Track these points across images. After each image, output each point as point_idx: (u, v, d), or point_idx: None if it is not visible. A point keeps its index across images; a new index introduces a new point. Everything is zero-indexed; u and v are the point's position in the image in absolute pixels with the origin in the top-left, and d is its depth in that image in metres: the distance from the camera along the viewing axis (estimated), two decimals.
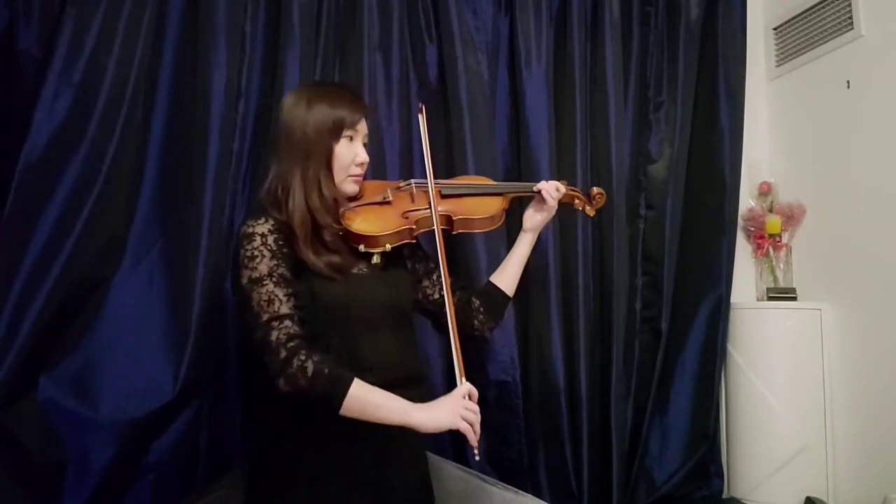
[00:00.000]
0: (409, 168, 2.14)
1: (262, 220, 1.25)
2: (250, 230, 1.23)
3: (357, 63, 2.11)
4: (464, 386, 1.18)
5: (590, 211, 1.63)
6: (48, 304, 1.70)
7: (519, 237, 1.53)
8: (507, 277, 1.51)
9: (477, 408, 1.17)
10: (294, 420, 1.28)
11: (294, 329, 1.17)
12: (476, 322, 1.48)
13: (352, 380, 1.15)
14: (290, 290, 1.20)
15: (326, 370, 1.15)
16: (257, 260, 1.20)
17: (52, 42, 1.77)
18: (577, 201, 1.60)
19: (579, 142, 2.32)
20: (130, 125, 1.86)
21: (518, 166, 2.31)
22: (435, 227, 1.36)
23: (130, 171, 1.88)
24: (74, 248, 1.74)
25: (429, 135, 1.48)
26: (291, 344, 1.15)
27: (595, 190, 1.62)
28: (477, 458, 1.20)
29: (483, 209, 1.45)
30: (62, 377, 1.74)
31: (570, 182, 2.27)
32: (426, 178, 1.43)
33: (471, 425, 1.15)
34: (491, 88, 2.29)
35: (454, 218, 1.42)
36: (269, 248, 1.22)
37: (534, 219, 1.52)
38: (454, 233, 1.46)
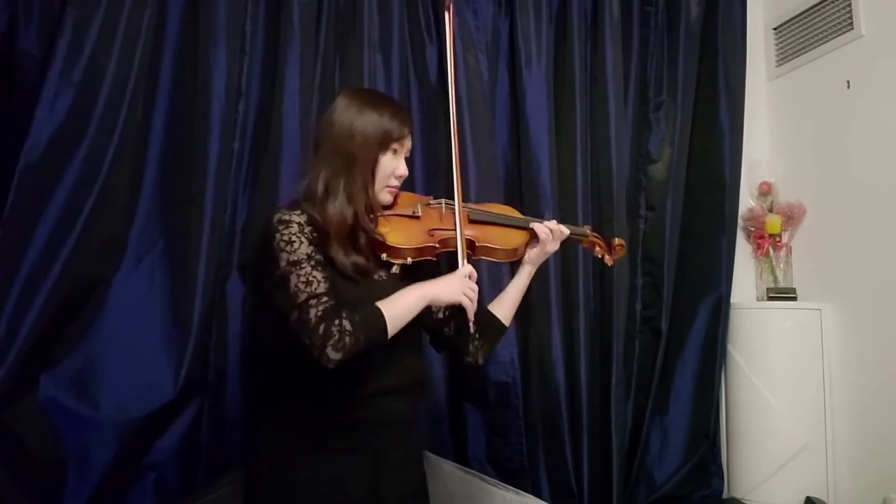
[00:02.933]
0: (410, 167, 2.13)
1: (298, 211, 1.27)
2: (287, 217, 1.25)
3: (357, 63, 2.11)
4: (465, 267, 1.32)
5: (608, 260, 1.63)
6: (48, 304, 1.70)
7: (518, 270, 1.53)
8: (504, 307, 1.52)
9: (476, 287, 1.32)
10: (289, 426, 1.29)
11: (330, 303, 1.20)
12: (471, 347, 1.49)
13: (379, 309, 1.22)
14: (325, 275, 1.23)
15: (357, 317, 1.20)
16: (295, 244, 1.22)
17: (52, 42, 1.77)
18: (597, 248, 1.61)
19: (579, 141, 2.33)
20: (130, 125, 1.86)
21: (518, 166, 2.31)
22: (459, 248, 1.37)
23: (130, 171, 1.88)
24: (74, 248, 1.75)
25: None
26: (327, 317, 1.18)
27: (617, 241, 1.62)
28: (472, 330, 1.35)
29: (507, 241, 1.46)
30: (63, 376, 1.74)
31: (571, 181, 2.30)
32: (451, 193, 1.43)
33: (471, 302, 1.30)
34: (491, 88, 2.30)
35: (477, 244, 1.43)
36: (305, 235, 1.24)
37: (532, 253, 1.51)
38: (474, 258, 1.46)
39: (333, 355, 1.16)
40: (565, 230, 1.50)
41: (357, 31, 2.13)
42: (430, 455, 1.71)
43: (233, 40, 1.97)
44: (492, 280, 2.09)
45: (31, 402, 1.68)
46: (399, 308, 1.24)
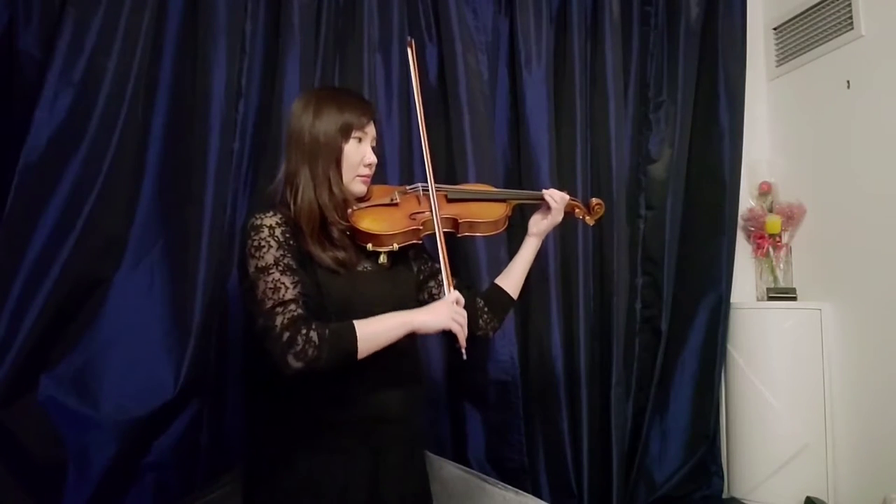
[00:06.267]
0: (409, 167, 2.15)
1: (271, 213, 1.27)
2: (258, 222, 1.25)
3: (357, 63, 2.11)
4: (452, 294, 1.31)
5: (589, 220, 1.68)
6: (48, 304, 1.70)
7: (524, 242, 1.57)
8: (511, 280, 1.54)
9: (465, 312, 1.30)
10: (288, 425, 1.29)
11: (298, 312, 1.19)
12: (481, 322, 1.51)
13: (353, 325, 1.20)
14: (296, 279, 1.23)
15: (327, 331, 1.18)
16: (264, 250, 1.23)
17: (52, 42, 1.77)
18: (577, 211, 1.65)
19: (579, 142, 2.33)
20: (130, 125, 1.86)
21: (518, 166, 2.31)
22: (433, 211, 1.38)
23: (130, 171, 1.88)
24: (74, 248, 1.75)
25: (423, 104, 1.53)
26: (294, 325, 1.18)
27: (594, 200, 1.66)
28: (465, 357, 1.30)
29: (487, 214, 1.50)
30: (63, 376, 1.74)
31: (571, 181, 2.31)
32: (429, 170, 1.47)
33: (460, 327, 1.28)
34: (491, 88, 2.29)
35: (460, 221, 1.46)
36: (276, 239, 1.24)
37: (539, 224, 1.56)
38: (459, 236, 1.49)
39: (294, 363, 1.15)
40: (565, 195, 1.56)
41: (357, 31, 2.13)
42: (430, 455, 1.71)
43: (233, 40, 1.97)
44: (490, 261, 2.11)
45: (31, 402, 1.68)
46: (375, 330, 1.22)
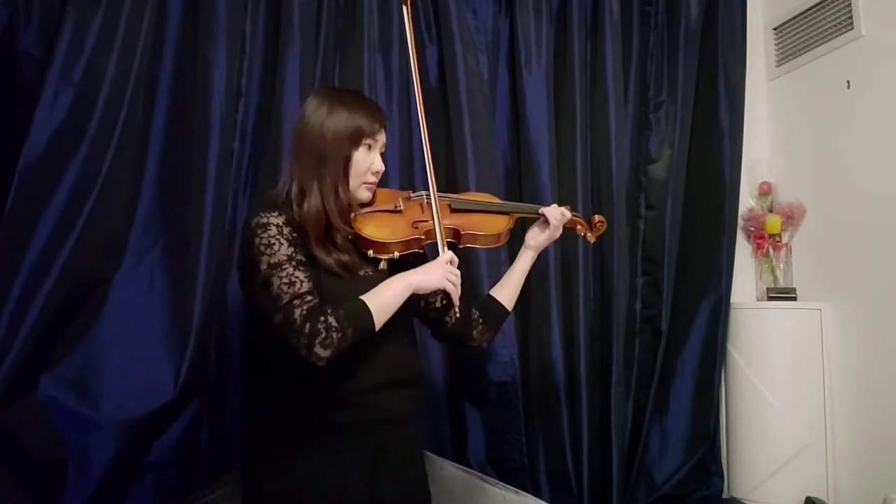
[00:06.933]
0: (409, 168, 2.15)
1: (275, 213, 1.27)
2: (264, 220, 1.25)
3: (357, 63, 2.11)
4: (446, 254, 1.34)
5: (590, 237, 1.67)
6: (49, 304, 1.70)
7: (520, 253, 1.56)
8: (506, 292, 1.54)
9: (458, 272, 1.34)
10: (288, 425, 1.29)
11: (314, 301, 1.21)
12: (475, 332, 1.51)
13: (364, 301, 1.23)
14: (308, 273, 1.24)
15: (342, 311, 1.20)
16: (275, 247, 1.23)
17: (52, 42, 1.77)
18: (578, 227, 1.64)
19: (579, 142, 2.33)
20: (130, 125, 1.86)
21: (518, 166, 2.31)
22: (436, 221, 1.38)
23: (130, 171, 1.88)
24: (75, 248, 1.75)
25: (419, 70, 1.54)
26: (312, 315, 1.18)
27: (596, 217, 1.66)
28: (458, 315, 1.43)
29: (490, 226, 1.49)
30: (63, 376, 1.74)
31: (571, 181, 2.31)
32: (430, 168, 1.47)
33: (454, 287, 1.32)
34: (491, 88, 2.29)
35: (462, 232, 1.46)
36: (285, 237, 1.24)
37: (537, 238, 1.55)
38: (460, 246, 1.49)
39: (322, 353, 1.16)
40: (567, 212, 1.55)
41: (357, 31, 2.13)
42: (430, 455, 1.71)
43: (233, 40, 1.97)
44: (491, 265, 2.11)
45: (31, 402, 1.68)
46: (383, 299, 1.24)
